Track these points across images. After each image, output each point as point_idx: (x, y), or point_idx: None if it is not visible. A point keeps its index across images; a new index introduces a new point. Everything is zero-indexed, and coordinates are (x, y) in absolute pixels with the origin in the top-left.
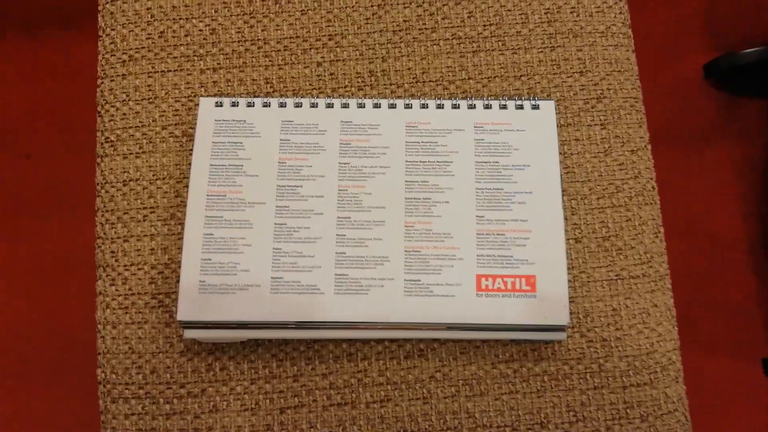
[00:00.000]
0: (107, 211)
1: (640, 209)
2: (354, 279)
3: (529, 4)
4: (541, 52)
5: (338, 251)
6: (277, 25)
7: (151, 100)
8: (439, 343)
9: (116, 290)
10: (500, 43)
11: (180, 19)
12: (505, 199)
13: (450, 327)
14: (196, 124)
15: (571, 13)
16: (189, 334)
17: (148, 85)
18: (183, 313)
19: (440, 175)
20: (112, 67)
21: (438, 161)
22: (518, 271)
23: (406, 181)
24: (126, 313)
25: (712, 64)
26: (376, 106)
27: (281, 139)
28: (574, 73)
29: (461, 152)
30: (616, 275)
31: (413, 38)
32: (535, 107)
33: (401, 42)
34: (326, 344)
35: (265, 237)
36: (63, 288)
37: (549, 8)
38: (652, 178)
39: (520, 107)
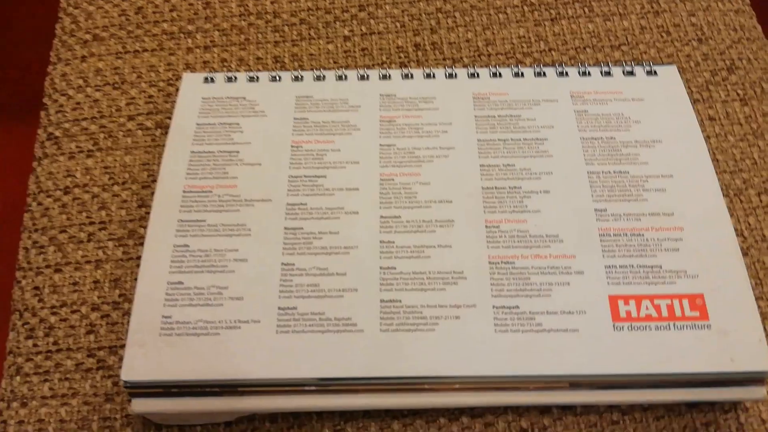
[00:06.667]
0: (36, 230)
1: None
2: (411, 307)
3: None
4: (643, 18)
5: (384, 266)
6: None
7: (116, 86)
8: (555, 415)
9: (34, 345)
10: (586, 9)
11: None
12: (635, 185)
13: (573, 383)
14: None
15: None
16: (139, 406)
17: (115, 68)
18: (131, 369)
19: (531, 156)
20: (69, 50)
21: (525, 138)
22: (675, 289)
23: (481, 165)
24: (45, 381)
25: None
26: (429, 76)
27: (296, 118)
28: (690, 40)
29: (557, 127)
30: None
31: (471, 6)
32: (651, 73)
33: (455, 11)
34: (368, 424)
35: (270, 247)
36: None
37: None
38: None
39: (630, 74)
